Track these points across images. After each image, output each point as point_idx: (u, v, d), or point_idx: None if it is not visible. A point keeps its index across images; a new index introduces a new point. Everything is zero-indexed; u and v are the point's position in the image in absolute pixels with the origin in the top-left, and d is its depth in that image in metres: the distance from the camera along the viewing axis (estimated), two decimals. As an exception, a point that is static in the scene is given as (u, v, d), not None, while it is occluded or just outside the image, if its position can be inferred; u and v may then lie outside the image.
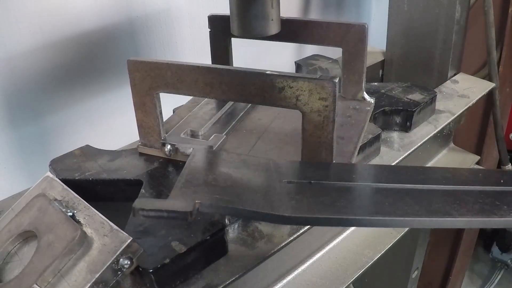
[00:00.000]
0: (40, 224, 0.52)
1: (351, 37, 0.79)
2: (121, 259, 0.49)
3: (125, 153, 0.74)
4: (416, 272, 1.23)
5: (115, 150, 0.75)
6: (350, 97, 0.84)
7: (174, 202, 0.49)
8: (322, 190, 0.57)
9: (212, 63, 0.87)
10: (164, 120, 0.72)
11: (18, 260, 0.53)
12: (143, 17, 1.00)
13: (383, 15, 1.23)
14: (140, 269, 0.52)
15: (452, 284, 1.83)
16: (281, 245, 0.61)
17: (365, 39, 0.79)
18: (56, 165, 0.70)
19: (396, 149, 0.85)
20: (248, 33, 0.70)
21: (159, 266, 0.52)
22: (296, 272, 0.76)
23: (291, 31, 0.81)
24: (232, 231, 0.64)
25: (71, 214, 0.53)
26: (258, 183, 0.59)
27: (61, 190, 0.56)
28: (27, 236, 0.53)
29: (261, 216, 0.52)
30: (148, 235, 0.57)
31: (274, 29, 0.70)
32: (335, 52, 0.93)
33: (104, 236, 0.51)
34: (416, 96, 0.88)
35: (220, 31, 0.84)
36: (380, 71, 1.27)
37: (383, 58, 1.25)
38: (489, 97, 1.32)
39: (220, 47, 0.85)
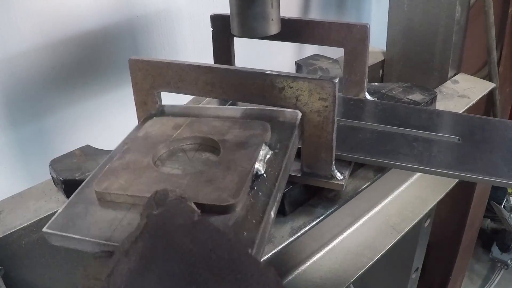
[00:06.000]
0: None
1: (353, 37, 0.79)
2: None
3: (125, 153, 0.74)
4: (416, 272, 1.23)
5: (115, 150, 0.75)
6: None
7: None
8: None
9: (215, 62, 0.87)
10: (164, 120, 0.72)
11: (185, 160, 0.53)
12: (143, 17, 0.99)
13: (383, 15, 1.23)
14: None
15: (452, 284, 1.83)
16: (281, 245, 0.61)
17: (367, 40, 0.78)
18: (56, 165, 0.70)
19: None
20: (248, 33, 0.70)
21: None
22: (296, 272, 0.76)
23: (293, 31, 0.81)
24: (233, 231, 0.63)
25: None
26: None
27: None
28: (207, 144, 0.56)
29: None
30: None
31: (274, 29, 0.70)
32: (335, 52, 0.93)
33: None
34: (416, 96, 0.88)
35: (223, 31, 0.83)
36: (380, 71, 1.27)
37: (383, 58, 1.25)
38: (489, 97, 1.33)
39: (223, 46, 0.85)
